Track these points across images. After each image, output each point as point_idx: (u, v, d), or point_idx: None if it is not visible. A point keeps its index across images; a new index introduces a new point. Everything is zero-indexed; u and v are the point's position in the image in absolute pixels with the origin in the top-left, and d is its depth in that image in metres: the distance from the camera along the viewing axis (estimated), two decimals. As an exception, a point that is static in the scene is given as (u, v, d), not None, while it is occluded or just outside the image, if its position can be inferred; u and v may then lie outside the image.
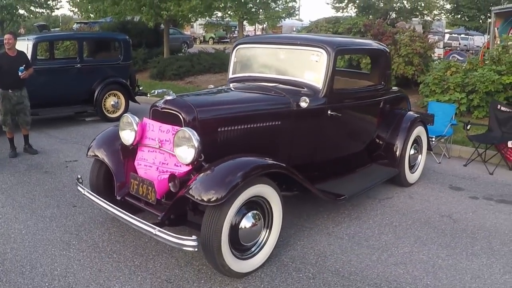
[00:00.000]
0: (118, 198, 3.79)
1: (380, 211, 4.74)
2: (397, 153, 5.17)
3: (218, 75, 14.27)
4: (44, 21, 29.12)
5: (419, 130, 5.50)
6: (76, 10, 13.72)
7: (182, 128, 3.40)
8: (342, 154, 4.78)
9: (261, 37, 5.14)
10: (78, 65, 8.81)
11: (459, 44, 22.32)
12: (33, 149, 6.83)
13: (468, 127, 6.53)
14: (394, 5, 21.12)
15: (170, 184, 3.38)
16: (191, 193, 3.15)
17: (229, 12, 30.79)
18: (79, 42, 9.14)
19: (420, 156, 5.69)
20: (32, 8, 19.72)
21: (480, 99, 8.09)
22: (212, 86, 4.64)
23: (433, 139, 6.26)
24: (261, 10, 30.93)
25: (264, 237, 3.55)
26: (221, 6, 16.09)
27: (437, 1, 22.46)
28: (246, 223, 3.37)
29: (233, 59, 4.96)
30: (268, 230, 3.57)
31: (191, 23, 25.42)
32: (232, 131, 3.75)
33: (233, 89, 4.41)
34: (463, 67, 8.93)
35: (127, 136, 3.82)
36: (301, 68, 4.41)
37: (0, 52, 6.75)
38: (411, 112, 5.59)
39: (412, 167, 5.54)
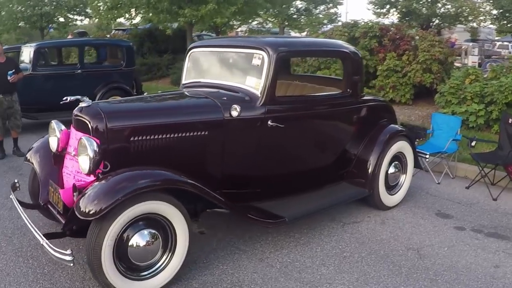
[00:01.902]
0: (42, 204, 3.77)
1: (337, 237, 4.12)
2: (369, 170, 4.51)
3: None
4: (96, 28, 30.07)
5: (401, 145, 4.79)
6: (95, 16, 13.93)
7: (82, 137, 3.23)
8: (296, 170, 4.20)
9: (213, 40, 4.71)
10: (79, 70, 8.81)
11: (509, 52, 20.54)
12: (21, 152, 6.88)
13: (473, 144, 5.72)
14: (437, 10, 19.83)
15: (74, 194, 3.23)
16: (77, 206, 2.94)
17: (269, 18, 30.69)
18: (80, 48, 9.16)
19: (403, 176, 4.97)
20: (70, 15, 20.40)
21: (500, 111, 7.12)
22: (146, 93, 4.34)
23: (427, 156, 5.50)
24: (302, 16, 30.64)
25: (165, 260, 3.18)
26: (257, 11, 15.70)
27: (483, 7, 20.90)
28: (139, 241, 3.04)
29: (186, 63, 4.58)
30: (170, 253, 3.19)
31: (235, 30, 25.54)
32: (149, 141, 3.42)
33: (162, 96, 4.03)
34: (486, 76, 7.98)
35: (52, 143, 3.79)
36: (244, 73, 3.94)
37: None
38: (393, 125, 4.90)
39: (391, 188, 4.84)
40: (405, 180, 4.98)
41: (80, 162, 3.24)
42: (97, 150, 3.12)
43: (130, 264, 3.05)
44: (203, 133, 3.56)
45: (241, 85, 3.88)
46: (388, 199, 4.77)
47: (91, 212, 2.83)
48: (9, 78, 6.50)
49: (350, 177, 4.63)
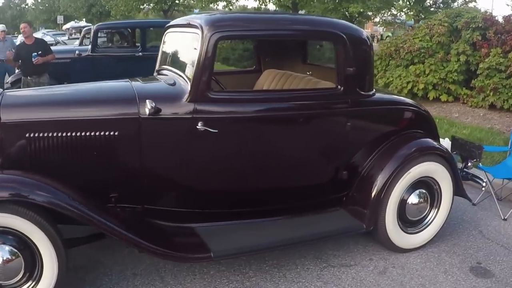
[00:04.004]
0: None
1: (301, 285, 3.06)
2: (371, 196, 3.32)
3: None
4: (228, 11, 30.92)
5: (429, 168, 3.46)
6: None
7: None
8: (253, 188, 3.19)
9: (181, 18, 3.90)
10: (140, 53, 8.67)
11: None
12: None
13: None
14: None
15: None
16: None
17: (404, 10, 28.88)
18: (142, 30, 9.01)
19: (433, 210, 3.61)
20: None
21: None
22: None
23: (484, 183, 3.99)
24: (439, 9, 28.16)
25: (29, 285, 2.59)
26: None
27: None
28: None
29: (161, 46, 3.89)
30: (34, 282, 2.58)
31: (371, 21, 24.49)
32: (47, 139, 2.85)
33: (85, 84, 3.42)
34: None
35: None
36: (186, 59, 3.11)
37: (21, 42, 7.10)
38: (426, 139, 3.57)
39: (412, 224, 3.56)
40: (436, 215, 3.61)
41: None
42: None
43: None
44: (112, 133, 2.85)
45: (182, 74, 3.06)
46: (401, 239, 3.49)
47: None
48: (33, 60, 6.52)
49: (349, 204, 3.49)
